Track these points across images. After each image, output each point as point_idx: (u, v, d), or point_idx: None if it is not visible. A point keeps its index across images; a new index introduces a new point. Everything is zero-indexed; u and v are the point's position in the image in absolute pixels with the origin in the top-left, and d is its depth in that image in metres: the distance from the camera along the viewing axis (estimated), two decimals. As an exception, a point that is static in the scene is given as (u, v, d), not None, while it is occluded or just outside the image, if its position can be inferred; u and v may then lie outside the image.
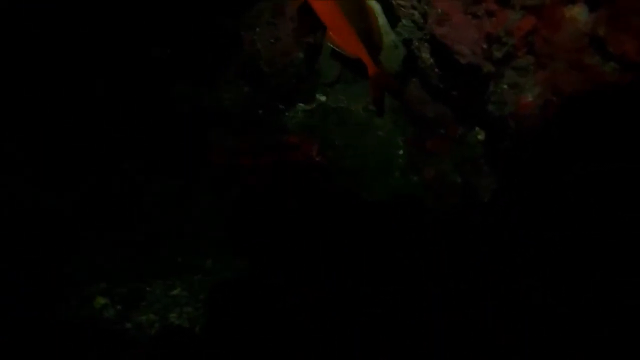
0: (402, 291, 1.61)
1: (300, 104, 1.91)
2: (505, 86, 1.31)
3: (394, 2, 1.62)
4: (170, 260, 1.86)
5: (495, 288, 1.51)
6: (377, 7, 1.82)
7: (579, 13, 1.14)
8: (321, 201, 1.79)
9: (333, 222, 1.75)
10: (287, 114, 1.92)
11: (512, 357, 1.47)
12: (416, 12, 1.55)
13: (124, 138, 1.93)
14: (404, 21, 1.63)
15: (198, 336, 1.75)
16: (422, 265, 1.61)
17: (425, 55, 1.59)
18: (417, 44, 1.60)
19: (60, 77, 1.90)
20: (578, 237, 1.37)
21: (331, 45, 1.74)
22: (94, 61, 1.90)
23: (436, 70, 1.58)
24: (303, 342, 1.65)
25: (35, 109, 1.89)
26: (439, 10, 1.40)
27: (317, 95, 1.92)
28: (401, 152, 1.81)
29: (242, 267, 1.82)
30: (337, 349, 1.62)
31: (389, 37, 1.80)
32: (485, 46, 1.32)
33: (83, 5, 1.83)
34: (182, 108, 1.93)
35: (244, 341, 1.71)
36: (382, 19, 1.80)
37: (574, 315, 1.39)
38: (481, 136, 1.61)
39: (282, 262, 1.76)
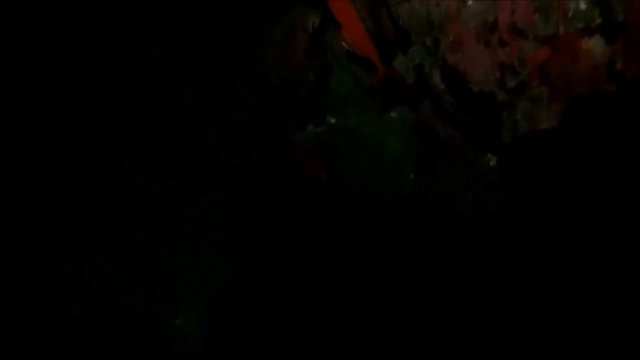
0: (402, 291, 1.61)
1: (310, 126, 1.91)
2: (518, 116, 1.32)
3: (405, 27, 1.63)
4: (170, 261, 1.85)
5: (495, 288, 1.51)
6: None
7: (595, 45, 1.13)
8: (321, 202, 1.79)
9: (333, 222, 1.75)
10: (296, 135, 1.92)
11: (512, 357, 1.47)
12: (428, 38, 1.55)
13: (124, 138, 1.93)
14: (415, 46, 1.63)
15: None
16: (422, 265, 1.61)
17: (437, 81, 1.59)
18: (428, 69, 1.61)
19: (60, 77, 1.90)
20: (578, 237, 1.37)
21: (345, 45, 1.76)
22: (94, 61, 1.90)
23: (448, 96, 1.59)
24: (303, 342, 1.65)
25: (35, 108, 1.89)
26: (452, 37, 1.41)
27: (327, 117, 1.92)
28: (412, 175, 1.81)
29: (242, 267, 1.82)
30: (337, 349, 1.62)
31: (400, 61, 1.80)
32: (498, 75, 1.31)
33: (83, 5, 1.83)
34: (183, 108, 1.93)
35: (243, 341, 1.71)
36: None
37: (574, 315, 1.39)
38: (493, 162, 1.61)
39: (282, 262, 1.76)
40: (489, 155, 1.60)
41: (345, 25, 1.69)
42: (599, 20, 1.09)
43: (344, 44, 1.75)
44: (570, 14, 1.13)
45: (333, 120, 1.90)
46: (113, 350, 1.72)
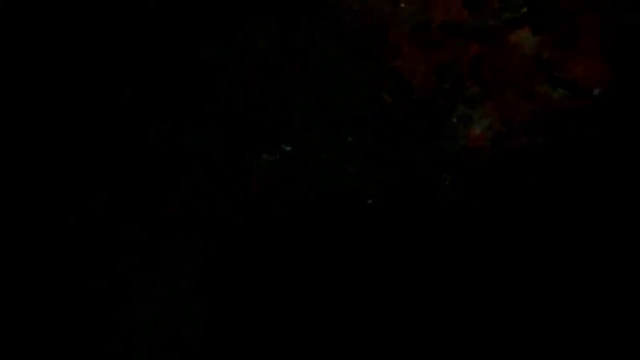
0: (403, 291, 1.61)
1: (264, 155, 1.86)
2: (454, 119, 1.29)
3: (353, 40, 1.62)
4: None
5: (495, 288, 1.51)
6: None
7: (524, 37, 1.11)
8: (321, 202, 1.79)
9: (333, 222, 1.75)
10: (250, 163, 1.86)
11: (512, 357, 1.47)
12: (374, 48, 1.54)
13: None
14: (363, 59, 1.62)
15: (198, 336, 1.75)
16: (422, 265, 1.61)
17: (386, 94, 1.58)
18: (375, 81, 1.59)
19: (58, 81, 1.90)
20: (577, 237, 1.37)
21: None
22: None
23: (396, 110, 1.57)
24: (303, 342, 1.65)
25: (35, 110, 1.89)
26: (390, 42, 1.39)
27: (283, 145, 1.86)
28: (370, 201, 1.77)
29: (241, 267, 1.82)
30: (337, 349, 1.62)
31: (348, 79, 1.78)
32: (435, 78, 1.30)
33: (82, 6, 1.83)
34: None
35: (243, 341, 1.71)
36: (348, 66, 1.80)
37: (574, 315, 1.39)
38: (449, 182, 1.59)
39: (281, 263, 1.76)
40: (445, 174, 1.57)
41: None
42: (525, 9, 1.07)
43: None
44: (497, 5, 1.11)
45: (289, 148, 1.85)
46: (113, 349, 1.72)
